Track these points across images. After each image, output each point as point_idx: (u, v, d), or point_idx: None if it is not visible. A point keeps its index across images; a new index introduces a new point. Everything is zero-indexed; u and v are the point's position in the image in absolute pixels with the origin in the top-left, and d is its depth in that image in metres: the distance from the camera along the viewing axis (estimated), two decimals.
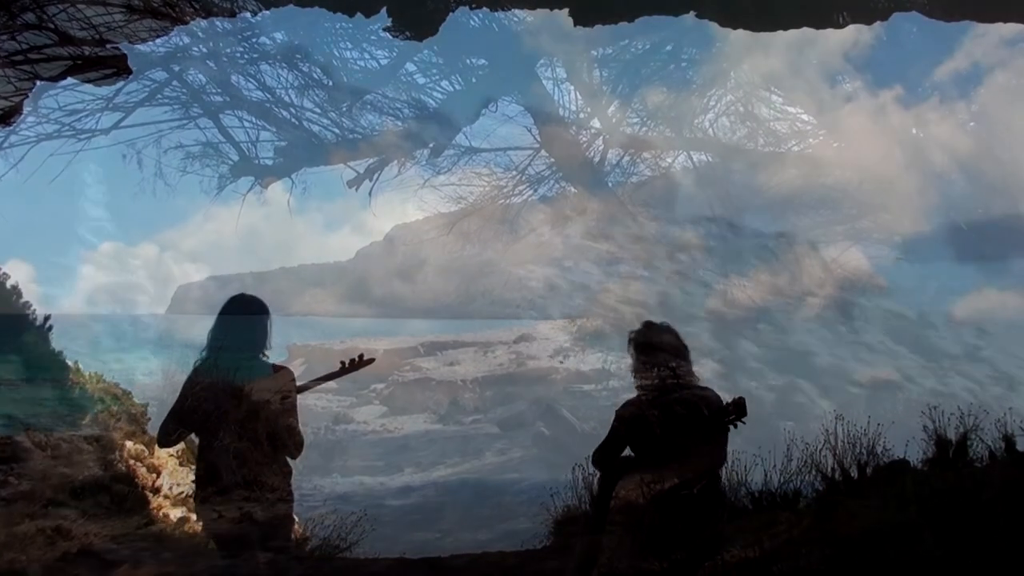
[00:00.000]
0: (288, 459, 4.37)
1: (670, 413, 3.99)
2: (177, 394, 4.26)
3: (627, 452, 4.15)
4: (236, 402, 4.10)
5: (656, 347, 4.12)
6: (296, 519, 5.05)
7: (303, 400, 4.47)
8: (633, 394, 4.15)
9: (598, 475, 4.22)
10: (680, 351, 4.17)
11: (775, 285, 28.10)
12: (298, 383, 4.38)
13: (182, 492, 6.89)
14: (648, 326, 4.25)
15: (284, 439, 4.25)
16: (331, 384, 4.98)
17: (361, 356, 4.49)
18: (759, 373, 21.62)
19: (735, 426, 4.17)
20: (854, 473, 4.55)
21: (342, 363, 4.48)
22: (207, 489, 4.27)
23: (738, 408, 4.16)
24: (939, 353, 9.54)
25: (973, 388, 9.42)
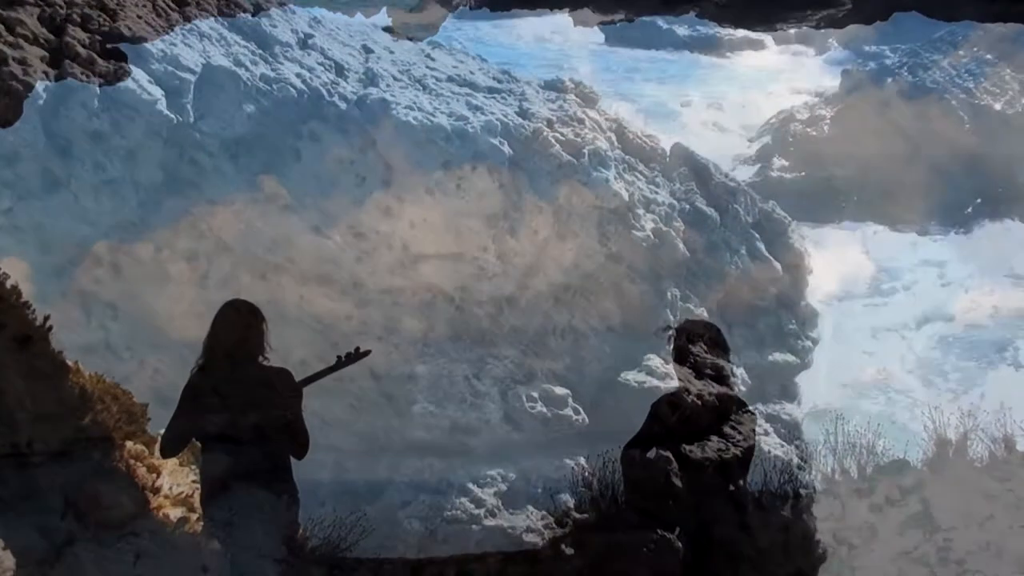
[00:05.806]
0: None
1: (700, 409, 4.02)
2: (176, 403, 4.25)
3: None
4: (240, 406, 4.10)
5: (696, 343, 4.15)
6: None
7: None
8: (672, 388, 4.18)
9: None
10: (719, 349, 4.19)
11: None
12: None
13: (182, 492, 6.86)
14: (692, 323, 4.30)
15: (289, 439, 4.25)
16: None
17: (357, 349, 4.44)
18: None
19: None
20: (854, 473, 4.55)
21: (339, 357, 4.43)
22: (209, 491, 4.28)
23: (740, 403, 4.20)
24: (271, 40, 9.43)
25: (303, 74, 9.46)
